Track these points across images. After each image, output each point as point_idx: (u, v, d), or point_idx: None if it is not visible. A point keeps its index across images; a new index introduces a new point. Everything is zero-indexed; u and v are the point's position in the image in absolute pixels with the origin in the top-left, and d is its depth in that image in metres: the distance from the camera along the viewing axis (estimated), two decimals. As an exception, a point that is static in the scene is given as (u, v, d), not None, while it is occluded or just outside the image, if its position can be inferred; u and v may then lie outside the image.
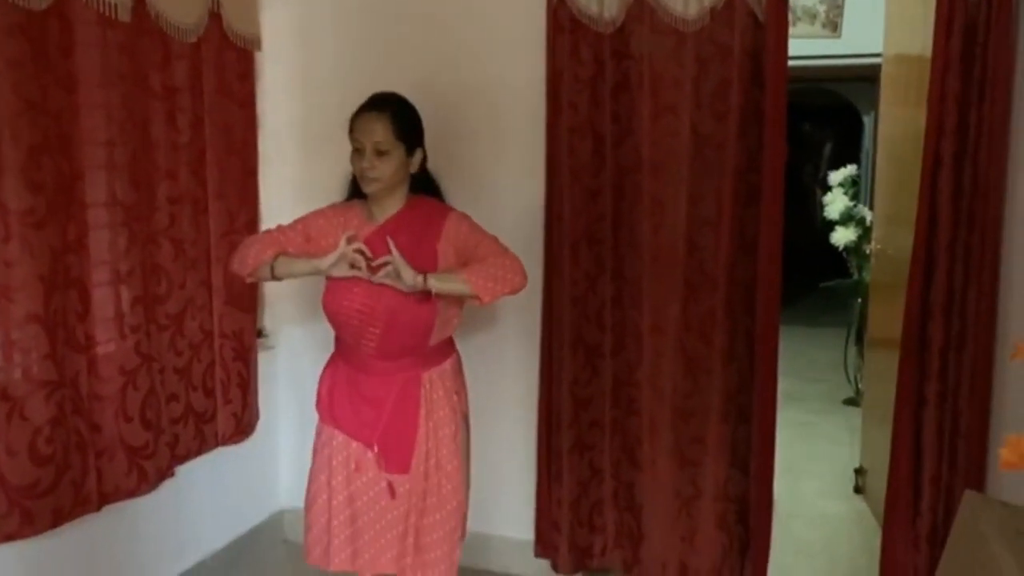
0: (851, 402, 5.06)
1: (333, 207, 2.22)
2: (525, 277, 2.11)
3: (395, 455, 2.13)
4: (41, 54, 2.04)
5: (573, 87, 2.59)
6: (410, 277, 1.98)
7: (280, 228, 2.18)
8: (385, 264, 1.99)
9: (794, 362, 5.56)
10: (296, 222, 2.19)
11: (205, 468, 2.72)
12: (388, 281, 2.00)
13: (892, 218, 3.41)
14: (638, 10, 2.52)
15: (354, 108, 2.12)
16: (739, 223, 2.54)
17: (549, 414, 2.75)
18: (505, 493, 2.90)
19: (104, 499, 2.30)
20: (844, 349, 5.30)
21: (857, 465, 3.78)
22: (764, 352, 2.51)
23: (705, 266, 2.59)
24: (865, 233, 4.81)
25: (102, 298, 2.28)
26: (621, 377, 2.71)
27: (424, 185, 2.23)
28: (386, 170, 2.08)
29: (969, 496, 1.53)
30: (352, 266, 2.02)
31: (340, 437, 2.17)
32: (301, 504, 2.26)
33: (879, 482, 2.77)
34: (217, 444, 2.76)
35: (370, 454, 2.14)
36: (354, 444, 2.15)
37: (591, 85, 2.59)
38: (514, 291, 2.09)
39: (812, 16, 5.13)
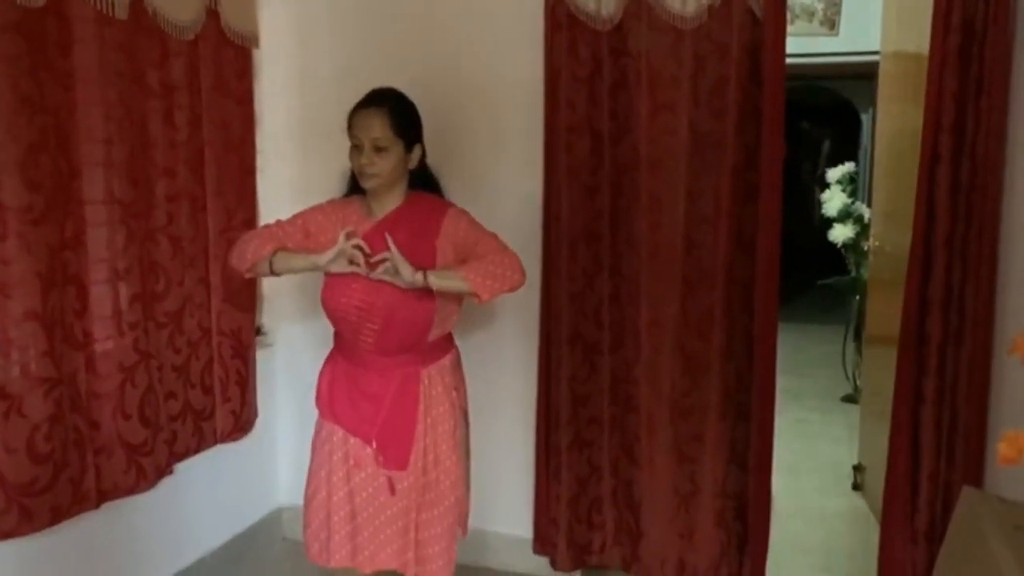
0: (849, 399, 5.06)
1: (332, 203, 2.22)
2: (524, 275, 2.11)
3: (393, 451, 2.13)
4: (38, 51, 2.04)
5: (571, 85, 2.59)
6: (408, 273, 1.98)
7: (279, 223, 2.18)
8: (384, 260, 1.99)
9: (792, 359, 5.57)
10: (295, 217, 2.19)
11: (204, 466, 2.72)
12: (387, 277, 2.00)
13: (890, 215, 3.41)
14: (636, 7, 2.52)
15: (352, 105, 2.12)
16: (737, 221, 2.54)
17: (548, 411, 2.75)
18: (504, 490, 2.90)
19: (103, 497, 2.29)
20: (842, 346, 5.31)
21: (855, 462, 3.79)
22: (762, 349, 2.51)
23: (703, 263, 2.59)
24: (863, 230, 4.81)
25: (100, 295, 2.28)
26: (619, 374, 2.71)
27: (423, 181, 2.23)
28: (385, 166, 2.08)
29: (967, 492, 1.54)
30: (351, 262, 2.02)
31: (339, 433, 2.17)
32: (300, 502, 2.26)
33: (877, 479, 2.77)
34: (216, 441, 2.76)
35: (369, 450, 2.14)
36: (353, 440, 2.15)
37: (589, 83, 2.59)
38: (513, 289, 2.09)
39: (810, 14, 5.14)
